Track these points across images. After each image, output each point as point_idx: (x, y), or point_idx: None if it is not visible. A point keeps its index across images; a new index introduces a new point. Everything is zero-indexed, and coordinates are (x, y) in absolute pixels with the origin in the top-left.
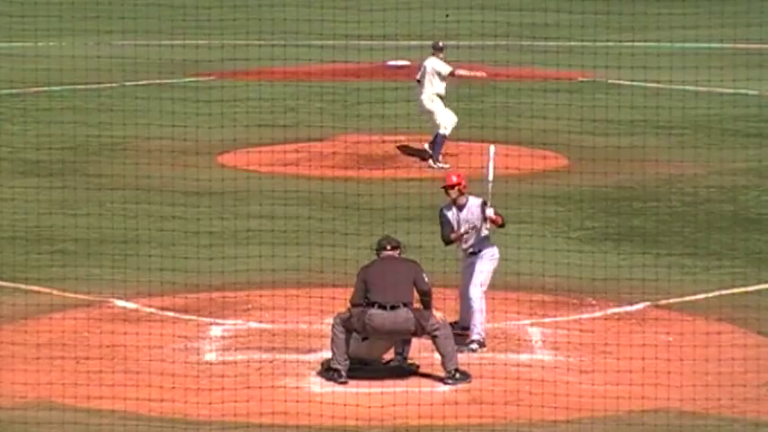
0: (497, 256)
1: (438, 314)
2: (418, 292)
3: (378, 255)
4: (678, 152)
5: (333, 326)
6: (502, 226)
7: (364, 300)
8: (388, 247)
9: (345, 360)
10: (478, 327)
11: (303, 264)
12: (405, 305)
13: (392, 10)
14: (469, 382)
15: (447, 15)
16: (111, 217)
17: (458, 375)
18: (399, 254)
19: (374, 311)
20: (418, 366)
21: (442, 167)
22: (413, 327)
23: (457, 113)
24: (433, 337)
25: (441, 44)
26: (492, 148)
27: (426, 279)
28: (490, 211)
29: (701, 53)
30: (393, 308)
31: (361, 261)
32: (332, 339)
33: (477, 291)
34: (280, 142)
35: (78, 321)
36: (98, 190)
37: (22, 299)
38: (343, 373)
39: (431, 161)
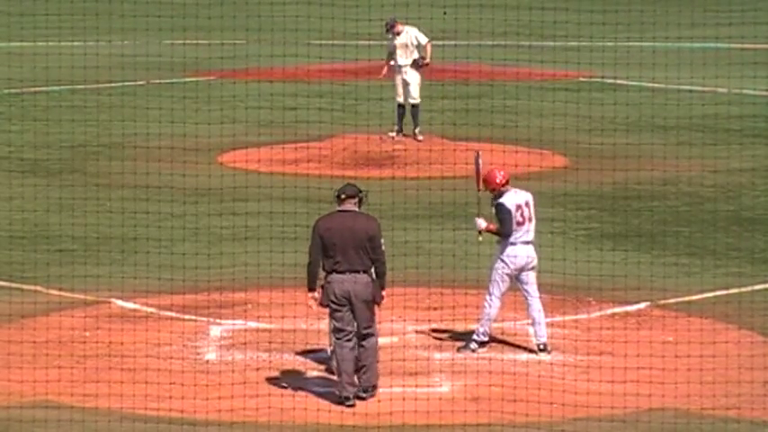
0: (503, 258)
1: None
2: (370, 256)
3: (337, 203)
4: (678, 152)
5: (334, 339)
6: (499, 234)
7: (322, 261)
8: (342, 196)
9: (354, 384)
10: (480, 328)
11: (303, 263)
12: (364, 271)
13: (391, 6)
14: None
15: (445, 13)
16: (111, 217)
17: (371, 390)
18: (359, 203)
19: (332, 277)
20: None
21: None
22: (371, 294)
23: (457, 113)
24: (360, 344)
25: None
26: (479, 154)
27: (383, 243)
28: (481, 223)
29: (700, 52)
30: (352, 272)
31: None
32: (336, 356)
33: (486, 296)
34: (280, 142)
35: (78, 321)
36: (98, 190)
37: (22, 299)
38: (352, 397)
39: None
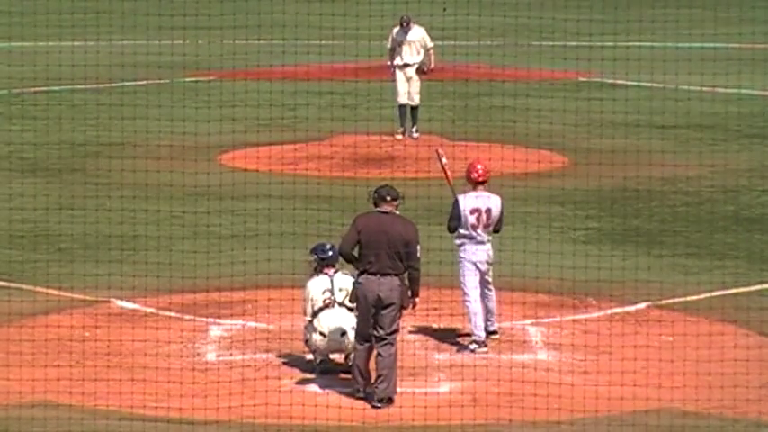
0: (461, 255)
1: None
2: (405, 261)
3: (375, 205)
4: (678, 152)
5: (354, 340)
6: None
7: (354, 257)
8: (388, 198)
9: (364, 380)
10: (472, 325)
11: (302, 263)
12: (396, 275)
13: (391, 5)
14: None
15: (444, 9)
16: (111, 217)
17: (385, 402)
18: (398, 207)
19: (363, 278)
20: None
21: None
22: (399, 298)
23: (457, 112)
24: (378, 353)
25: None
26: (440, 153)
27: (419, 250)
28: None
29: (700, 52)
30: (383, 275)
31: None
32: (354, 355)
33: (464, 297)
34: (279, 142)
35: (78, 321)
36: (98, 190)
37: (21, 299)
38: (362, 389)
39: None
